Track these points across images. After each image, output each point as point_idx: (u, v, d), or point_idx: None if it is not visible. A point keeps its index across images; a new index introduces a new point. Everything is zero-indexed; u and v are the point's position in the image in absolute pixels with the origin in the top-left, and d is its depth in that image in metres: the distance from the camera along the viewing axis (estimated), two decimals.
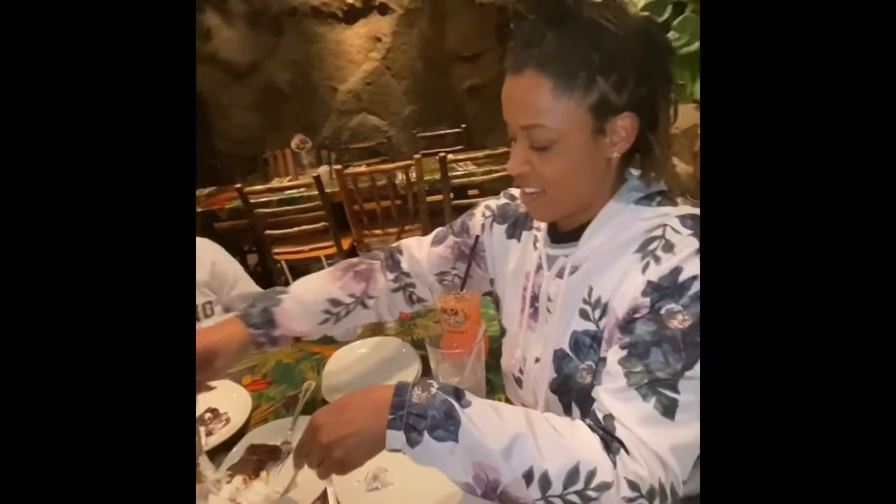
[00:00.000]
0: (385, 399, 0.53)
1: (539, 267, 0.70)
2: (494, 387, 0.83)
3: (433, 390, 0.53)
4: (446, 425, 0.51)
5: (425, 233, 0.93)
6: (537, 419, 0.54)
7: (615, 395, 0.54)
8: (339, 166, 2.31)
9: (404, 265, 0.87)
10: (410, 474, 0.67)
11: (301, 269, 2.53)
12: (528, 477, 0.50)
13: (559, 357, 0.66)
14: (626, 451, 0.51)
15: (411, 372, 0.87)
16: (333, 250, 2.48)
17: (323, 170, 2.43)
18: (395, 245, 0.90)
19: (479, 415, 0.52)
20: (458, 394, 0.54)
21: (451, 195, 2.45)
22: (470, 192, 2.82)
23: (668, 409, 0.51)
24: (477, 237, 0.83)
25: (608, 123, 0.57)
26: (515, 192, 0.84)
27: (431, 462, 0.52)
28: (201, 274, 1.13)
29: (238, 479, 0.68)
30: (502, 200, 0.84)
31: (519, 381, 0.75)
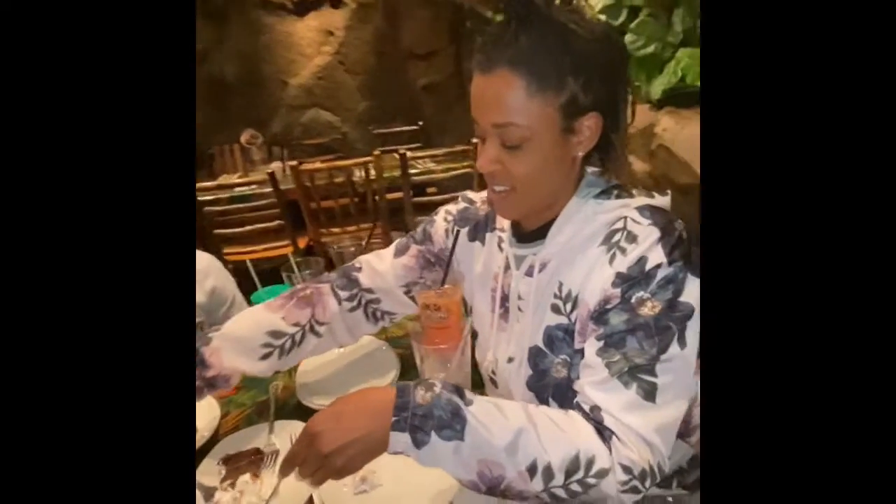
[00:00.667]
0: (385, 401, 0.51)
1: (507, 267, 0.71)
2: (475, 383, 0.83)
3: (437, 390, 0.52)
4: (453, 424, 0.50)
5: (385, 231, 0.91)
6: (536, 412, 0.55)
7: (597, 387, 0.56)
8: (294, 162, 2.23)
9: (364, 281, 0.84)
10: (399, 475, 0.65)
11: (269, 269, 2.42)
12: (531, 470, 0.51)
13: (534, 354, 0.67)
14: (618, 437, 0.53)
15: (390, 370, 0.85)
16: (290, 249, 2.39)
17: (276, 166, 2.33)
18: (349, 264, 0.87)
19: (483, 412, 0.52)
20: (460, 392, 0.53)
21: (411, 192, 2.43)
22: (429, 190, 2.81)
23: (649, 393, 0.54)
24: (458, 231, 0.82)
25: (576, 122, 0.59)
26: (474, 195, 0.85)
27: (436, 462, 0.51)
28: (200, 295, 1.05)
29: (243, 479, 0.65)
30: (461, 205, 0.84)
31: (494, 382, 0.76)
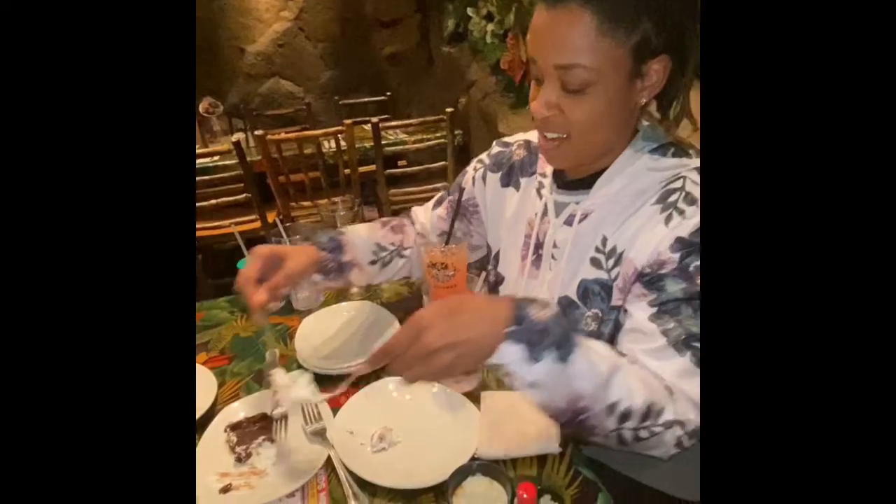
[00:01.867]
0: (502, 308, 0.48)
1: (544, 213, 0.70)
2: None
3: (554, 309, 0.50)
4: (563, 347, 0.48)
5: (353, 204, 0.96)
6: (618, 353, 0.55)
7: (653, 354, 0.55)
8: (260, 132, 2.12)
9: (418, 228, 0.90)
10: (416, 432, 0.65)
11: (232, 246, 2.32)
12: (612, 408, 0.51)
13: (565, 304, 0.66)
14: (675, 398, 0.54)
15: (392, 331, 0.83)
16: (258, 225, 2.30)
17: (240, 136, 2.21)
18: (408, 212, 0.94)
19: (588, 342, 0.51)
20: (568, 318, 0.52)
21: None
22: (399, 163, 2.76)
23: (700, 360, 0.54)
24: (461, 189, 0.81)
25: (644, 66, 0.56)
26: (509, 139, 0.83)
27: (536, 383, 0.49)
28: None
29: (256, 442, 0.64)
30: (495, 149, 0.83)
31: None
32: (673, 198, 0.58)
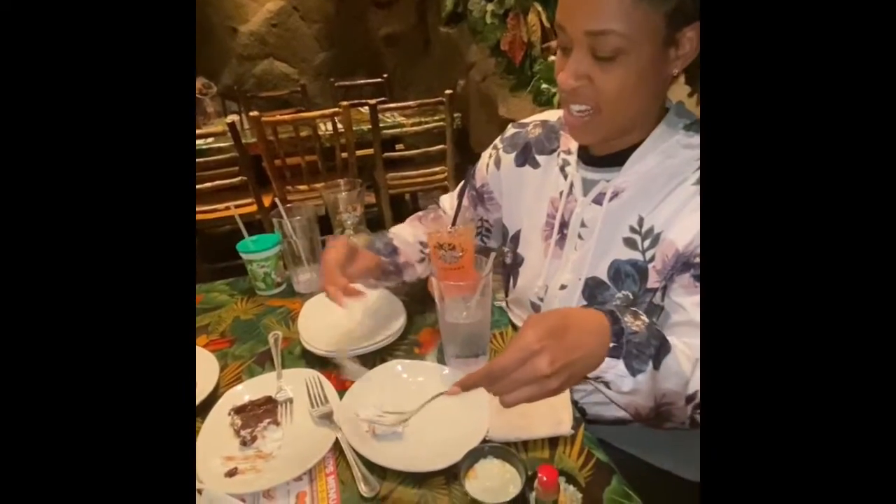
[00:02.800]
0: (603, 323, 0.48)
1: (570, 192, 0.67)
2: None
3: (644, 318, 0.50)
4: (659, 356, 0.49)
5: (355, 185, 0.95)
6: (689, 345, 0.55)
7: None
8: (256, 113, 2.07)
9: (446, 219, 0.88)
10: (425, 415, 0.63)
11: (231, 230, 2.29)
12: (690, 398, 0.52)
13: (593, 285, 0.65)
14: None
15: (398, 316, 0.82)
16: (254, 208, 2.26)
17: (234, 118, 2.16)
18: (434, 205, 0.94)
19: (673, 343, 0.52)
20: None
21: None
22: (397, 147, 2.72)
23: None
24: (471, 174, 0.82)
25: (678, 33, 0.53)
26: (527, 120, 0.81)
27: (631, 392, 0.49)
28: None
29: (262, 426, 0.62)
30: (511, 131, 0.81)
31: (537, 308, 0.74)
32: None
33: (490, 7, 2.37)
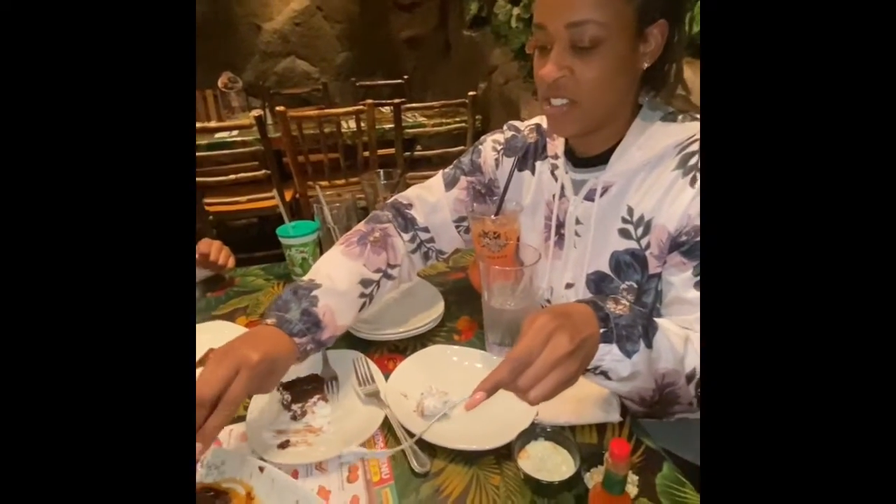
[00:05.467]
0: (589, 312, 0.50)
1: (562, 193, 0.70)
2: None
3: (624, 302, 0.52)
4: (648, 334, 0.51)
5: (394, 175, 0.89)
6: (679, 325, 0.57)
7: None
8: (282, 108, 2.10)
9: (420, 219, 0.80)
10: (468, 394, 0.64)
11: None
12: (689, 377, 0.53)
13: (597, 279, 0.67)
14: None
15: (437, 301, 0.83)
16: (274, 202, 2.28)
17: (259, 112, 2.19)
18: (394, 201, 0.82)
19: (660, 321, 0.54)
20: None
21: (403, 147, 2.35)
22: (417, 147, 2.73)
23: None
24: (472, 167, 0.81)
25: (647, 29, 0.58)
26: (519, 124, 0.83)
27: (630, 375, 0.51)
28: None
29: (312, 401, 0.63)
30: (508, 133, 0.82)
31: None
32: (692, 161, 0.60)
33: (516, 11, 2.38)
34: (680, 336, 0.54)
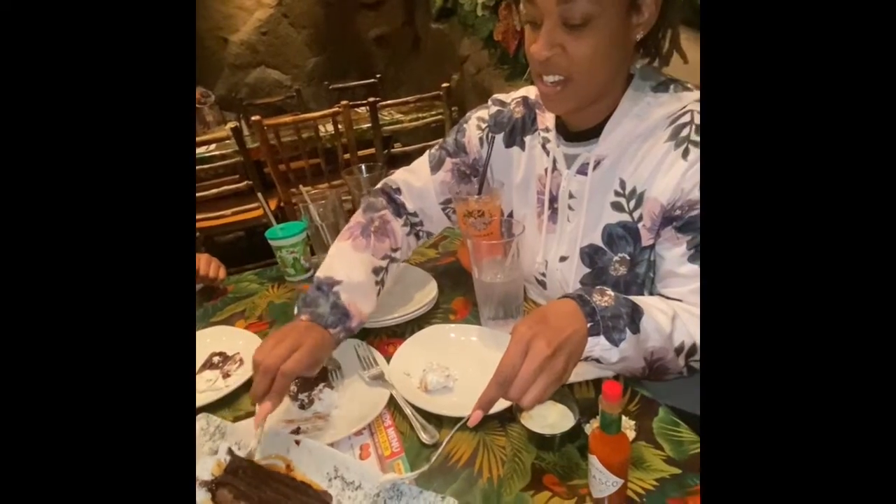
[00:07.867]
0: (573, 309, 0.52)
1: (554, 167, 0.71)
2: None
3: (610, 293, 0.54)
4: (634, 321, 0.53)
5: (375, 167, 0.89)
6: (670, 302, 0.59)
7: (697, 294, 0.58)
8: (257, 117, 2.10)
9: (409, 205, 0.82)
10: (471, 370, 0.66)
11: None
12: (678, 350, 0.56)
13: (590, 252, 0.68)
14: None
15: (431, 286, 0.85)
16: (260, 212, 2.28)
17: (234, 125, 2.18)
18: (384, 185, 0.84)
19: (646, 301, 0.56)
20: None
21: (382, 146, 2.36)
22: (395, 145, 2.74)
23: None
24: (493, 138, 0.79)
25: (639, 0, 0.57)
26: (504, 97, 0.82)
27: (620, 360, 0.53)
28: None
29: (318, 388, 0.65)
30: (493, 108, 0.81)
31: (542, 283, 0.77)
32: (684, 132, 0.59)
33: (481, 0, 2.41)
34: (667, 314, 0.56)
